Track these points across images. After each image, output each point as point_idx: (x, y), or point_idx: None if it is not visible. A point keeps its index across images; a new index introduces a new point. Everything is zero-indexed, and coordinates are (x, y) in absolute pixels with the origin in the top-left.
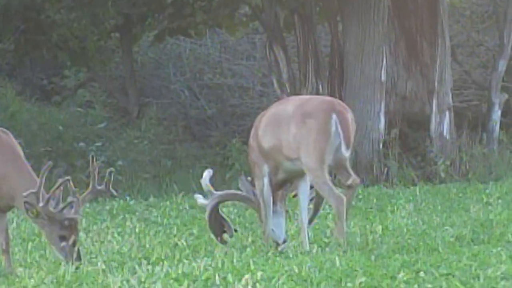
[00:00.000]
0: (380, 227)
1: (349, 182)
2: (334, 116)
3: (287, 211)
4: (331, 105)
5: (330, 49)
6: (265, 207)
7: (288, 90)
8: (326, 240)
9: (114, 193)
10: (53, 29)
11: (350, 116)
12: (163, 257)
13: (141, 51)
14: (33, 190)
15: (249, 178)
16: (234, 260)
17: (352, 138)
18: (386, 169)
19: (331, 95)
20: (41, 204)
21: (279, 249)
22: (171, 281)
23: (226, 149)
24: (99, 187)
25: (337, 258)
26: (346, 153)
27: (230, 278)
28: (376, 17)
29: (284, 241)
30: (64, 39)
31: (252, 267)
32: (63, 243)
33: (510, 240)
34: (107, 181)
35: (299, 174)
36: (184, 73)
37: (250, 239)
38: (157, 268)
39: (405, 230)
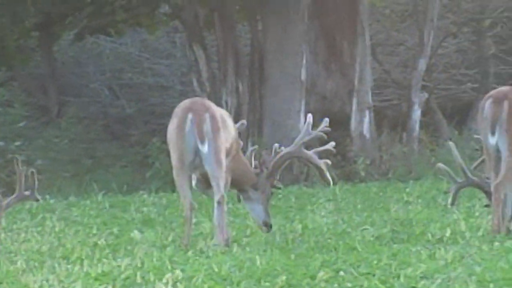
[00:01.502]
0: (300, 226)
1: (216, 198)
2: (189, 116)
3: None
4: (190, 104)
5: (250, 48)
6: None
7: (208, 89)
8: (246, 239)
9: (39, 198)
10: None
11: (207, 115)
12: (83, 257)
13: (61, 50)
14: None
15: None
16: (154, 259)
17: (209, 138)
18: (306, 168)
19: (251, 94)
20: None
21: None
22: (91, 280)
23: (146, 148)
24: (25, 193)
25: (257, 257)
26: (205, 156)
27: (150, 277)
28: (296, 16)
29: (265, 224)
30: None
31: (172, 266)
32: None
33: (429, 239)
34: (31, 184)
35: None
36: (104, 72)
37: (170, 238)
38: (77, 268)
39: (325, 229)
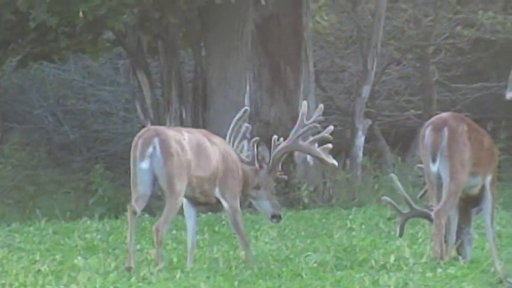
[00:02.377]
0: (243, 253)
1: (155, 225)
2: (155, 140)
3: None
4: (154, 132)
5: (193, 75)
6: None
7: (152, 116)
8: (191, 265)
9: None
10: None
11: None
12: (26, 283)
13: (4, 76)
14: None
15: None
16: (97, 286)
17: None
18: None
19: (194, 121)
20: None
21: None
22: None
23: (89, 174)
24: None
25: (201, 284)
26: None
27: None
28: (240, 42)
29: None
30: None
31: None
32: None
33: (373, 266)
34: None
35: None
36: (47, 98)
37: (113, 265)
38: None
39: (268, 255)
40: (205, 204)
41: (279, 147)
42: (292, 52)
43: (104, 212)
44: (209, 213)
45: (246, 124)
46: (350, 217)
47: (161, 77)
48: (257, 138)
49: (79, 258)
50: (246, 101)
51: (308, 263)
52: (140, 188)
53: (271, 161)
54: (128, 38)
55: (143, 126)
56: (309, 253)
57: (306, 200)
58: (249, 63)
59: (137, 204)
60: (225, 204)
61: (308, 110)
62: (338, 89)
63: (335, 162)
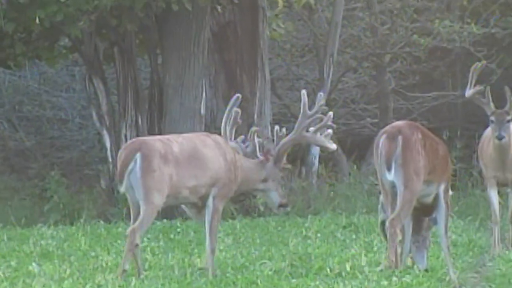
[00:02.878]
0: (198, 260)
1: (128, 230)
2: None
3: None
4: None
5: (150, 82)
6: None
7: (108, 123)
8: (145, 272)
9: None
10: None
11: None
12: None
13: None
14: None
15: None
16: None
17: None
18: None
19: (150, 128)
20: None
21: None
22: None
23: (45, 181)
24: None
25: None
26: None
27: None
28: (196, 50)
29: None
30: None
31: None
32: None
33: (328, 274)
34: None
35: None
36: (3, 104)
37: (68, 272)
38: None
39: (224, 263)
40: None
41: (286, 139)
42: (249, 60)
43: (59, 218)
44: (164, 220)
45: (235, 109)
46: (306, 225)
47: (117, 84)
48: (256, 128)
49: (34, 264)
50: (202, 109)
51: (263, 271)
52: (133, 208)
53: (276, 153)
54: (84, 45)
55: (99, 133)
56: (264, 261)
57: (261, 208)
58: (205, 71)
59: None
60: (210, 203)
61: (264, 117)
62: (294, 97)
63: (335, 147)
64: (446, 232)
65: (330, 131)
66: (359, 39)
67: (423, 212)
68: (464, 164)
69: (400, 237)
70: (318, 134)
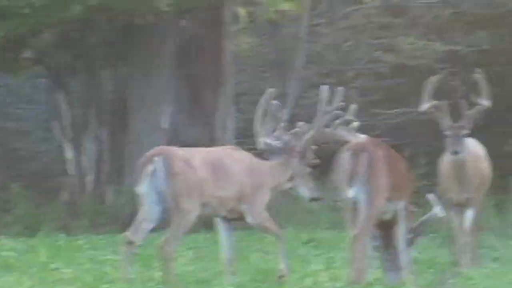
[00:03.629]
0: (159, 273)
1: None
2: (157, 158)
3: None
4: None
5: (113, 96)
6: None
7: (70, 135)
8: (105, 286)
9: None
10: None
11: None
12: None
13: None
14: None
15: None
16: None
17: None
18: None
19: (112, 141)
20: None
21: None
22: None
23: (7, 193)
24: None
25: None
26: None
27: None
28: (160, 64)
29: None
30: None
31: None
32: None
33: None
34: None
35: None
36: None
37: (29, 283)
38: None
39: (186, 277)
40: (240, 219)
41: (306, 137)
42: (212, 75)
43: (21, 230)
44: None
45: (275, 102)
46: (267, 240)
47: (80, 97)
48: (284, 123)
49: None
50: (165, 123)
51: (224, 286)
52: (140, 215)
53: (301, 149)
54: (48, 57)
55: (60, 146)
56: (226, 275)
57: None
58: (169, 85)
59: (134, 234)
60: (251, 220)
61: (227, 131)
62: None
63: (362, 137)
64: (405, 248)
65: (356, 123)
66: (322, 55)
67: (382, 228)
68: (427, 181)
69: (363, 253)
70: (338, 129)
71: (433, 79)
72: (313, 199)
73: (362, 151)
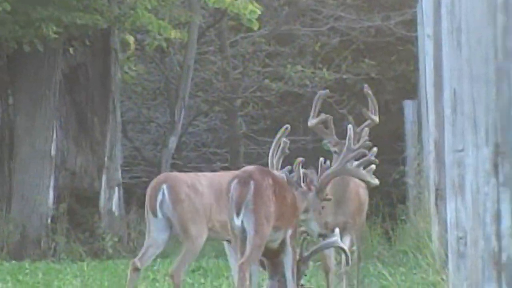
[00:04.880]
0: None
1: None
2: (163, 186)
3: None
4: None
5: (0, 122)
6: None
7: None
8: None
9: None
10: None
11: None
12: None
13: None
14: None
15: None
16: None
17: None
18: (54, 244)
19: (0, 169)
20: None
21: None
22: None
23: None
24: None
25: None
26: None
27: None
28: (48, 91)
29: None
30: None
31: None
32: None
33: None
34: None
35: None
36: None
37: None
38: None
39: None
40: None
41: (329, 171)
42: (100, 102)
43: None
44: (13, 261)
45: (284, 139)
46: (155, 268)
47: None
48: (300, 159)
49: None
50: (53, 150)
51: None
52: (147, 242)
53: (319, 184)
54: None
55: None
56: None
57: (110, 250)
58: (56, 112)
59: (140, 260)
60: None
61: (114, 159)
62: (145, 139)
63: (377, 182)
64: (293, 277)
65: (373, 166)
66: (210, 82)
67: (270, 257)
68: None
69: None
70: (361, 168)
71: (321, 95)
72: (320, 235)
73: (249, 179)
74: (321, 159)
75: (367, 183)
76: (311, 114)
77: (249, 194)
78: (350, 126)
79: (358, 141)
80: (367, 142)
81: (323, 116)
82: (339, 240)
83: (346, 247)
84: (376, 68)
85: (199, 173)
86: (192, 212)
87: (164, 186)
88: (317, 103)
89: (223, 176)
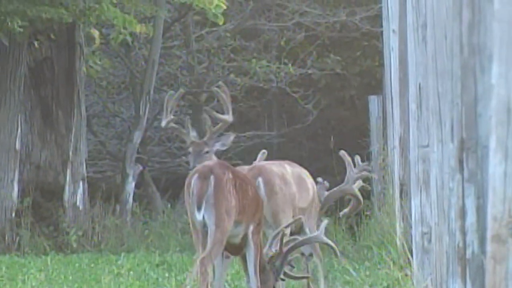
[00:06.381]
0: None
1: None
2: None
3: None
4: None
5: None
6: None
7: None
8: None
9: None
10: None
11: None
12: None
13: None
14: None
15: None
16: None
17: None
18: (18, 237)
19: None
20: None
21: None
22: None
23: None
24: None
25: None
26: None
27: None
28: (12, 85)
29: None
30: None
31: None
32: None
33: None
34: None
35: None
36: None
37: None
38: None
39: None
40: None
41: (336, 189)
42: (65, 96)
43: None
44: None
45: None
46: (119, 262)
47: None
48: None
49: None
50: (18, 144)
51: None
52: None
53: (323, 201)
54: None
55: None
56: None
57: (74, 245)
58: (21, 106)
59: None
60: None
61: (79, 153)
62: (110, 134)
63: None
64: (255, 272)
65: (361, 182)
66: (176, 77)
67: (231, 252)
68: None
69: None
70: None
71: (173, 95)
72: (312, 257)
73: (209, 174)
74: (319, 179)
75: (357, 200)
76: (164, 114)
77: (209, 188)
78: (343, 152)
79: (211, 139)
80: (367, 168)
81: (174, 117)
82: (322, 235)
83: (330, 242)
84: (341, 63)
85: (281, 162)
86: (284, 203)
87: (260, 179)
88: (168, 103)
89: (295, 165)
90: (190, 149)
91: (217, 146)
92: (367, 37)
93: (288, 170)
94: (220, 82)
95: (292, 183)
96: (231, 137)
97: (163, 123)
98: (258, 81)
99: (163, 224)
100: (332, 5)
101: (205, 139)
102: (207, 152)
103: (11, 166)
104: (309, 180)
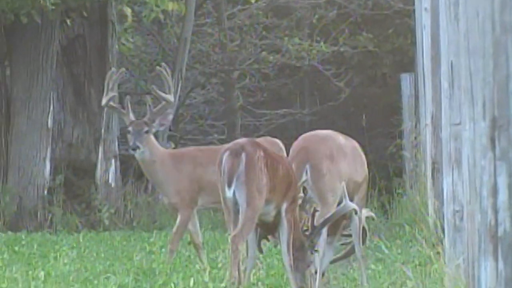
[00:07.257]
0: (42, 273)
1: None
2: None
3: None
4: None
5: None
6: None
7: None
8: None
9: None
10: None
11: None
12: None
13: None
14: None
15: None
16: None
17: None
18: (50, 215)
19: None
20: None
21: None
22: None
23: None
24: None
25: None
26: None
27: None
28: (45, 63)
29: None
30: None
31: None
32: None
33: None
34: None
35: None
36: None
37: None
38: None
39: (68, 277)
40: None
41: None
42: (97, 74)
43: None
44: (9, 233)
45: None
46: (151, 240)
47: None
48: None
49: None
50: (50, 122)
51: (107, 285)
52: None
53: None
54: None
55: None
56: (108, 274)
57: (106, 222)
58: (53, 84)
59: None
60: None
61: (111, 131)
62: (142, 111)
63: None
64: (288, 250)
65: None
66: (208, 55)
67: (265, 230)
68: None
69: (243, 254)
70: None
71: (114, 73)
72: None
73: (241, 152)
74: (313, 208)
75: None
76: (104, 93)
77: (240, 166)
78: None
79: (154, 121)
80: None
81: (112, 94)
82: (348, 202)
83: (357, 207)
84: (374, 41)
85: (333, 134)
86: (332, 183)
87: (308, 166)
88: (109, 81)
89: (348, 138)
90: (130, 128)
91: (157, 126)
92: (399, 15)
93: (342, 141)
94: (162, 63)
95: (348, 154)
96: (169, 116)
97: (103, 101)
98: (290, 58)
99: None
100: None
101: (145, 119)
102: (147, 131)
103: (43, 144)
104: (363, 154)
